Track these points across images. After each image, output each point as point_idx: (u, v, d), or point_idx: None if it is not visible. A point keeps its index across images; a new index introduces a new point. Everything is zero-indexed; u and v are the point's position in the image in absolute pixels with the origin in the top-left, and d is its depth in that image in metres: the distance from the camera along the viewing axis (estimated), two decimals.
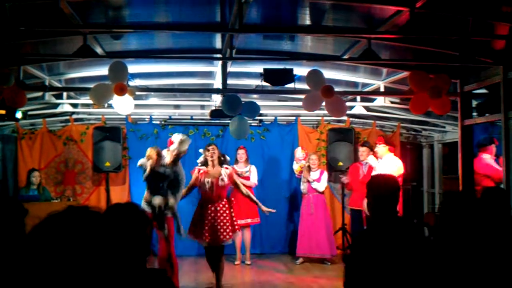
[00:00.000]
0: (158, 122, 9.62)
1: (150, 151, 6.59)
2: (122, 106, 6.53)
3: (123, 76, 6.34)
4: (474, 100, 7.45)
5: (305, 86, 6.82)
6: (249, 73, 7.78)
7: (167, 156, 6.53)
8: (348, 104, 8.31)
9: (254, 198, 7.11)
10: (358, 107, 9.06)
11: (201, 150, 7.02)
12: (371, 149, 8.36)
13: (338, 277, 7.31)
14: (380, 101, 8.51)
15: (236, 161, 8.78)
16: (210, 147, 6.77)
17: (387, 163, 7.45)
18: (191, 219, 6.77)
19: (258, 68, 6.89)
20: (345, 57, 6.80)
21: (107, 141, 8.95)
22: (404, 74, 7.16)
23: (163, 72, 7.92)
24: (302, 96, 6.90)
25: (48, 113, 9.19)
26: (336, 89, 6.79)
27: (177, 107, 9.78)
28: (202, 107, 9.83)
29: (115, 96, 6.36)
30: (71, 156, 9.36)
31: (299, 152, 9.04)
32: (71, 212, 1.51)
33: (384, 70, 7.57)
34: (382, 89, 7.98)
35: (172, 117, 9.73)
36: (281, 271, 8.22)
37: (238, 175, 8.65)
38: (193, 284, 7.02)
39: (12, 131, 9.31)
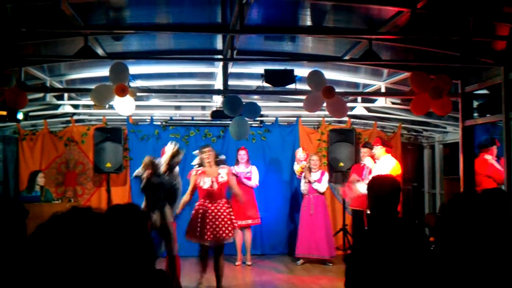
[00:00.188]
0: (159, 123, 9.63)
1: (146, 160, 6.60)
2: (123, 107, 6.54)
3: (124, 77, 6.34)
4: (475, 101, 7.44)
5: (306, 87, 6.82)
6: (250, 74, 7.78)
7: (162, 165, 6.54)
8: (349, 105, 8.31)
9: (243, 199, 7.07)
10: (359, 108, 9.06)
11: (195, 152, 7.06)
12: (372, 150, 8.35)
13: (338, 277, 7.31)
14: (381, 102, 8.51)
15: (237, 162, 8.79)
16: (205, 149, 6.82)
17: (383, 164, 7.45)
18: (189, 222, 6.76)
19: (259, 69, 6.89)
20: (346, 58, 6.79)
21: (108, 142, 8.96)
22: (405, 74, 7.16)
23: (164, 73, 7.92)
24: (303, 97, 6.90)
25: (49, 114, 9.20)
26: (337, 90, 6.78)
27: (178, 108, 9.78)
28: (203, 108, 9.83)
29: (116, 97, 6.36)
30: (72, 157, 9.37)
31: (300, 153, 9.05)
32: (75, 212, 1.52)
33: (385, 71, 7.56)
34: (383, 90, 7.98)
35: (173, 118, 9.74)
36: (282, 271, 8.22)
37: (237, 176, 8.67)
38: (194, 285, 7.02)
39: (13, 132, 9.32)
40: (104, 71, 6.76)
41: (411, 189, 10.72)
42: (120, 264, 1.51)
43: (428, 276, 1.73)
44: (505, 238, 2.54)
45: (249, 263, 8.61)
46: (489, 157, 7.55)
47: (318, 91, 6.54)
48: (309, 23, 6.13)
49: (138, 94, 6.90)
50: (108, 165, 8.90)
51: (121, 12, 5.70)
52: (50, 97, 8.19)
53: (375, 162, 7.85)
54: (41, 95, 8.03)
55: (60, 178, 9.30)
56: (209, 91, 8.58)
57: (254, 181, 8.72)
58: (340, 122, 9.96)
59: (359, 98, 8.91)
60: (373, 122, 9.93)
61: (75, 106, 9.04)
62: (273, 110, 9.76)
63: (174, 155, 6.51)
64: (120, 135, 9.06)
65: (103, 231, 1.50)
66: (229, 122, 7.35)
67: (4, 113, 6.76)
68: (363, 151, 8.46)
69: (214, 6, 5.68)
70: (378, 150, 7.59)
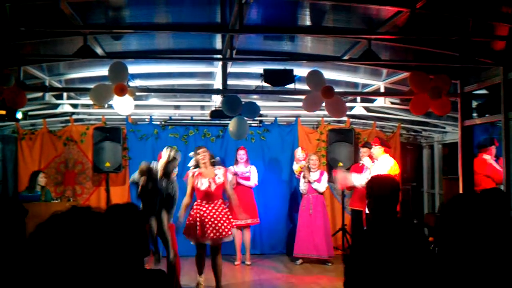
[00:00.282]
0: (158, 123, 9.62)
1: (142, 166, 6.60)
2: (122, 106, 6.54)
3: (123, 77, 6.34)
4: (474, 101, 7.45)
5: (305, 87, 6.82)
6: (249, 73, 7.78)
7: (159, 170, 6.54)
8: (348, 104, 8.31)
9: (236, 202, 7.01)
10: (358, 108, 9.06)
11: (191, 154, 7.04)
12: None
13: (338, 277, 7.32)
14: (380, 101, 8.51)
15: (236, 162, 8.79)
16: (200, 150, 6.80)
17: (381, 164, 7.45)
18: (186, 224, 6.74)
19: (258, 68, 6.89)
20: (345, 57, 6.80)
21: (107, 141, 8.95)
22: (404, 74, 7.16)
23: (163, 73, 7.92)
24: (302, 97, 6.90)
25: (48, 114, 9.19)
26: (336, 89, 6.79)
27: (177, 107, 9.78)
28: (202, 107, 9.83)
29: (115, 97, 6.36)
30: (71, 157, 9.37)
31: (299, 153, 9.05)
32: (74, 212, 1.52)
33: (384, 70, 7.57)
34: (382, 90, 7.98)
35: (172, 117, 9.74)
36: (281, 271, 8.22)
37: (238, 175, 8.68)
38: (193, 284, 7.03)
39: (12, 132, 9.32)
40: (103, 71, 6.76)
41: (410, 189, 10.73)
42: (118, 263, 1.52)
43: (427, 276, 1.73)
44: (503, 238, 2.54)
45: (248, 262, 8.62)
46: (488, 157, 7.56)
47: (317, 91, 6.55)
48: (308, 23, 6.13)
49: (137, 93, 6.90)
50: (107, 164, 8.90)
51: (120, 11, 5.69)
52: (49, 97, 8.18)
53: (373, 161, 7.85)
54: (40, 94, 8.02)
55: (59, 178, 9.30)
56: (208, 91, 8.58)
57: (253, 181, 8.73)
58: (339, 122, 9.96)
59: (358, 98, 8.91)
60: (372, 122, 9.94)
61: (74, 106, 9.04)
62: (272, 109, 9.75)
63: (169, 161, 6.50)
64: (119, 134, 9.06)
65: (102, 230, 1.50)
66: (228, 121, 7.36)
67: (3, 112, 6.75)
68: (363, 151, 8.46)
69: (213, 5, 5.68)
70: (377, 150, 7.59)
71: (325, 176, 8.68)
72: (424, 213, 10.53)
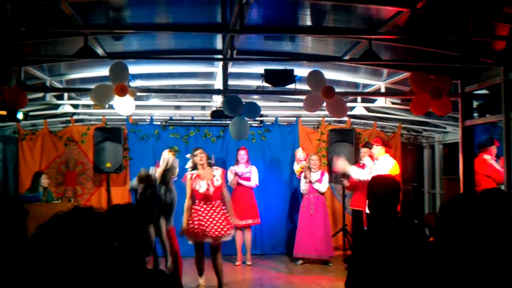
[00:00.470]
0: (159, 123, 9.63)
1: (141, 173, 6.59)
2: (123, 107, 6.54)
3: (124, 77, 6.34)
4: (475, 101, 7.44)
5: (305, 87, 6.82)
6: (250, 74, 7.78)
7: (157, 177, 6.54)
8: (348, 104, 8.31)
9: (230, 206, 7.01)
10: (359, 108, 9.06)
11: (188, 156, 7.08)
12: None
13: (338, 277, 7.32)
14: (381, 101, 8.51)
15: (236, 162, 8.79)
16: (197, 152, 6.84)
17: (382, 164, 7.45)
18: (186, 226, 6.75)
19: (259, 69, 6.90)
20: (346, 58, 6.79)
21: (108, 142, 8.96)
22: (405, 74, 7.16)
23: (164, 73, 7.93)
24: (303, 97, 6.90)
25: (49, 114, 9.20)
26: (337, 89, 6.79)
27: (178, 108, 9.78)
28: (203, 108, 9.83)
29: (116, 97, 6.36)
30: (72, 157, 9.38)
31: (299, 153, 9.06)
32: (76, 212, 1.52)
33: (385, 70, 7.56)
34: (382, 90, 7.98)
35: (173, 118, 9.74)
36: (282, 271, 8.22)
37: (239, 175, 8.67)
38: (194, 285, 7.03)
39: (13, 132, 9.32)
40: (104, 71, 6.76)
41: (411, 189, 10.72)
42: (119, 262, 1.52)
43: (427, 275, 1.73)
44: (504, 237, 2.54)
45: (249, 263, 8.62)
46: (488, 157, 7.56)
47: (318, 91, 6.54)
48: (309, 23, 6.13)
49: (138, 94, 6.90)
50: (108, 165, 8.90)
51: (121, 11, 5.69)
52: (50, 97, 8.19)
53: (373, 161, 7.85)
54: (41, 94, 8.02)
55: (60, 178, 9.30)
56: (209, 91, 8.58)
57: (254, 181, 8.73)
58: (340, 122, 9.96)
59: (359, 98, 8.91)
60: (373, 122, 9.94)
61: (75, 106, 9.04)
62: (273, 110, 9.76)
63: (167, 169, 6.47)
64: (120, 135, 9.06)
65: (104, 230, 1.51)
66: (229, 122, 7.35)
67: (4, 112, 6.76)
68: (363, 151, 8.46)
69: (214, 6, 5.68)
70: (378, 150, 7.58)
71: (326, 176, 8.68)
72: (425, 213, 10.52)
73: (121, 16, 5.81)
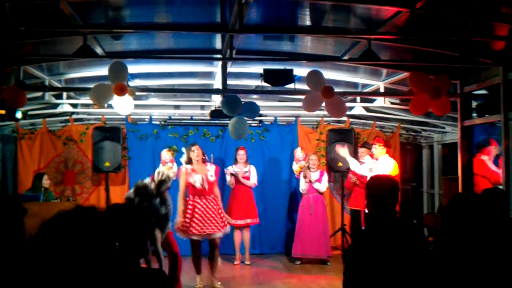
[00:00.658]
0: (158, 123, 9.63)
1: (139, 184, 6.57)
2: (122, 106, 6.53)
3: (123, 76, 6.34)
4: (474, 101, 7.45)
5: (305, 87, 6.82)
6: (249, 73, 7.78)
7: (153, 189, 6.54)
8: (348, 104, 8.31)
9: (220, 203, 7.18)
10: (358, 108, 9.06)
11: (183, 149, 7.29)
12: (371, 149, 8.36)
13: (337, 277, 7.32)
14: (380, 101, 8.51)
15: (235, 161, 8.79)
16: (194, 147, 7.05)
17: (383, 164, 7.45)
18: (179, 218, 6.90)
19: (258, 68, 6.89)
20: (345, 57, 6.80)
21: (107, 141, 8.95)
22: (404, 74, 7.16)
23: (163, 73, 7.92)
24: (302, 97, 6.90)
25: (48, 113, 9.19)
26: (336, 89, 6.79)
27: (177, 107, 9.78)
28: (202, 107, 9.83)
29: (115, 96, 6.36)
30: (70, 156, 9.37)
31: (298, 153, 9.06)
32: (79, 211, 1.53)
33: (384, 70, 7.56)
34: (382, 90, 7.98)
35: (172, 117, 9.74)
36: (281, 271, 8.22)
37: (236, 175, 8.67)
38: (193, 284, 7.04)
39: (12, 131, 9.31)
40: (103, 70, 6.76)
41: (410, 189, 10.72)
42: (118, 260, 1.52)
43: (426, 276, 1.73)
44: (503, 236, 2.54)
45: (247, 262, 8.62)
46: (486, 158, 7.57)
47: (317, 91, 6.55)
48: (308, 23, 6.13)
49: (137, 93, 6.90)
50: (107, 164, 8.90)
51: (120, 11, 5.69)
52: (49, 96, 8.18)
53: (373, 159, 7.85)
54: (40, 94, 8.01)
55: (58, 177, 9.30)
56: (208, 91, 8.57)
57: (253, 181, 8.73)
58: (339, 122, 9.96)
59: (358, 98, 8.91)
60: (372, 122, 9.94)
61: (74, 105, 9.04)
62: (272, 109, 9.75)
63: (162, 181, 6.43)
64: (119, 134, 9.06)
65: (104, 229, 1.51)
66: (228, 121, 7.36)
67: (3, 112, 6.75)
68: (361, 151, 8.48)
69: (213, 5, 5.68)
70: (379, 149, 7.58)
71: (326, 176, 8.68)
72: (423, 213, 10.52)
73: (120, 16, 5.81)
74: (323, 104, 6.71)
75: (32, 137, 9.27)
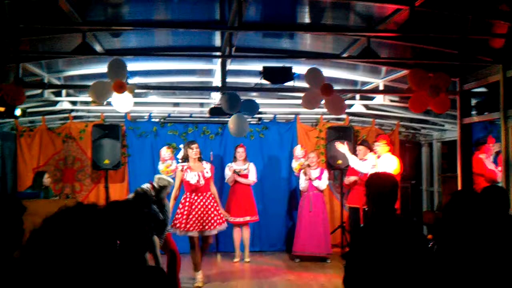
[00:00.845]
0: (157, 120, 9.62)
1: (138, 190, 6.55)
2: (121, 103, 6.53)
3: (122, 74, 6.33)
4: (473, 99, 7.45)
5: (304, 84, 6.82)
6: (248, 71, 7.78)
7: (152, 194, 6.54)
8: (347, 102, 8.31)
9: (218, 200, 7.35)
10: (357, 106, 9.06)
11: (181, 146, 7.43)
12: (369, 147, 8.37)
13: (337, 274, 7.33)
14: (379, 99, 8.52)
15: (234, 159, 8.78)
16: (194, 145, 7.21)
17: (386, 162, 7.45)
18: (175, 214, 7.01)
19: (257, 66, 6.89)
20: (345, 55, 6.79)
21: (106, 138, 8.95)
22: (404, 72, 7.16)
23: (162, 70, 7.91)
24: (301, 94, 6.90)
25: (47, 111, 9.18)
26: (335, 87, 6.78)
27: (176, 105, 9.77)
28: (201, 105, 9.82)
29: (114, 94, 6.35)
30: (70, 154, 9.37)
31: (298, 150, 9.06)
32: (81, 208, 1.53)
33: (383, 68, 7.57)
34: (381, 88, 7.98)
35: (171, 115, 9.73)
36: (280, 268, 8.22)
37: (237, 173, 8.67)
38: (191, 281, 7.05)
39: (11, 129, 9.31)
40: (102, 68, 6.76)
41: (409, 187, 10.73)
42: (120, 257, 1.52)
43: (425, 272, 1.73)
44: (502, 233, 2.54)
45: (247, 260, 8.62)
46: (483, 156, 7.58)
47: (316, 88, 6.54)
48: (307, 20, 6.13)
49: (136, 90, 6.88)
50: (106, 161, 8.90)
51: (119, 8, 5.69)
52: (48, 94, 8.17)
53: (375, 155, 7.86)
54: (39, 91, 8.01)
55: (58, 175, 9.29)
56: (208, 88, 8.57)
57: (252, 178, 8.72)
58: (338, 119, 9.96)
59: (357, 96, 8.91)
60: (371, 119, 9.94)
61: (73, 103, 9.03)
62: (271, 107, 9.75)
63: (161, 189, 6.40)
64: (118, 132, 9.06)
65: (106, 226, 1.51)
66: (227, 119, 7.36)
67: (2, 109, 6.74)
68: (359, 148, 8.49)
69: (212, 2, 5.67)
70: (383, 147, 7.57)
71: (326, 173, 8.67)
72: (422, 211, 10.54)
73: (120, 13, 5.80)
74: (323, 101, 6.71)
75: (31, 134, 9.27)
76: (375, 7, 5.47)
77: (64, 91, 8.41)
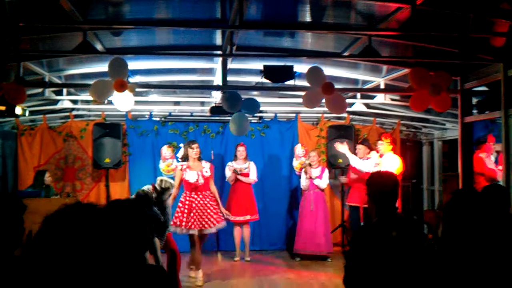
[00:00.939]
0: (158, 119, 9.62)
1: (139, 192, 6.55)
2: (122, 102, 6.53)
3: (123, 73, 6.33)
4: (474, 98, 7.45)
5: (305, 83, 6.81)
6: (249, 70, 7.78)
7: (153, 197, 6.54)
8: (348, 101, 8.30)
9: (217, 198, 7.45)
10: (358, 104, 9.06)
11: (181, 145, 7.53)
12: (369, 147, 8.37)
13: (337, 273, 7.33)
14: (380, 98, 8.51)
15: (235, 158, 8.78)
16: (194, 145, 7.35)
17: (389, 161, 7.44)
18: (175, 213, 7.07)
19: (258, 65, 6.88)
20: (346, 54, 6.79)
21: (107, 137, 8.95)
22: (405, 71, 7.16)
23: (163, 69, 7.91)
24: (302, 93, 6.89)
25: (48, 110, 9.19)
26: (336, 86, 6.78)
27: (177, 103, 9.77)
28: (202, 103, 9.82)
29: (115, 93, 6.35)
30: (71, 153, 9.37)
31: (299, 149, 9.06)
32: (81, 207, 1.53)
33: (384, 67, 7.56)
34: (382, 86, 7.97)
35: (172, 113, 9.74)
36: (280, 267, 8.23)
37: (237, 172, 8.67)
38: (192, 280, 7.05)
39: (12, 128, 9.31)
40: (103, 67, 6.75)
41: (410, 185, 10.73)
42: (120, 256, 1.52)
43: (426, 271, 1.73)
44: (503, 232, 2.54)
45: (247, 258, 8.62)
46: (484, 155, 7.58)
47: (317, 87, 6.54)
48: (308, 19, 6.13)
49: (137, 89, 6.89)
50: (107, 160, 8.90)
51: (120, 7, 5.68)
52: (49, 93, 8.18)
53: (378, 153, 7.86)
54: (40, 90, 8.01)
55: (59, 174, 9.29)
56: (208, 87, 8.57)
57: (252, 177, 8.72)
58: (339, 118, 9.95)
59: (358, 95, 8.91)
60: (372, 118, 9.94)
61: (74, 102, 9.03)
62: (272, 106, 9.75)
63: (164, 191, 6.40)
64: (119, 130, 9.06)
65: (106, 224, 1.51)
66: (228, 118, 7.36)
67: (3, 108, 6.74)
68: (359, 147, 8.49)
69: (213, 1, 5.67)
70: (386, 146, 7.57)
71: (327, 172, 8.67)
72: (423, 209, 10.53)
73: (120, 12, 5.80)
74: (323, 100, 6.70)
75: (32, 133, 9.27)
76: (376, 5, 5.47)
77: (65, 90, 8.41)
